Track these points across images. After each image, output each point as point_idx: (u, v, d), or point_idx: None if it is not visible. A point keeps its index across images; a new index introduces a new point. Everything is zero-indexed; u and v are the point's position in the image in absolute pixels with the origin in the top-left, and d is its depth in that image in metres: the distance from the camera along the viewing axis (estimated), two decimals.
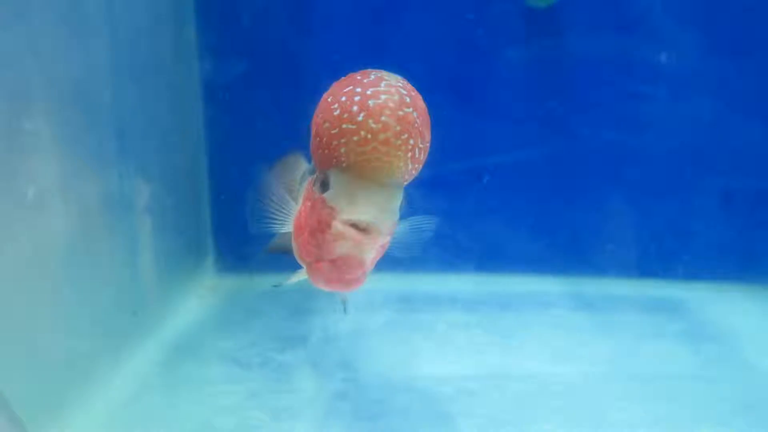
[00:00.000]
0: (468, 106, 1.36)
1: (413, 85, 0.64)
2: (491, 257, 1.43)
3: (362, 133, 0.58)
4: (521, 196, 1.42)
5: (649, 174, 1.37)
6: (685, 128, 1.33)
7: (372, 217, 0.59)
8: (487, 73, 1.35)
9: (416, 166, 0.62)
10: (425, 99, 0.65)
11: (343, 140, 0.58)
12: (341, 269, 0.62)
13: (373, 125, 0.57)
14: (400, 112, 0.59)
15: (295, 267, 0.80)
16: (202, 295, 1.35)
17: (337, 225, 0.60)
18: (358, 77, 0.62)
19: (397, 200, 0.62)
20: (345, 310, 0.83)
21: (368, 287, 1.47)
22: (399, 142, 0.58)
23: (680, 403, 0.92)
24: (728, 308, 1.28)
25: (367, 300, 1.34)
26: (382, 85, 0.60)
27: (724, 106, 1.32)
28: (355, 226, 0.59)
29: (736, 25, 1.29)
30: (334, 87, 0.63)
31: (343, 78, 0.64)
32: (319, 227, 0.63)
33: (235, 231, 1.41)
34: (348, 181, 0.60)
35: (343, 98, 0.59)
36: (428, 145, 0.64)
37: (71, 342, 0.87)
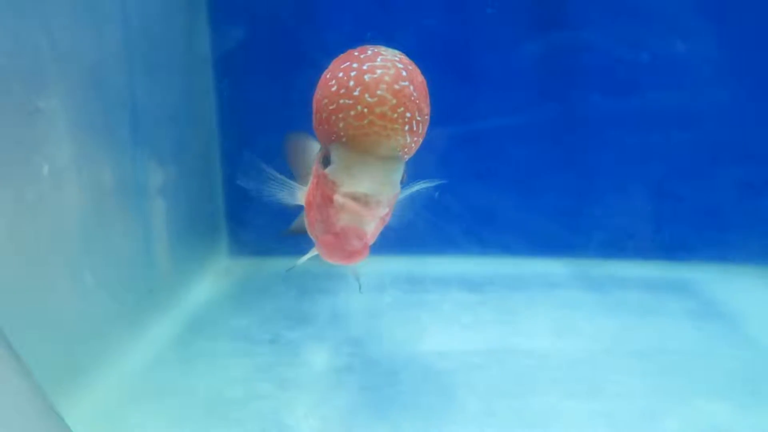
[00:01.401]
0: (475, 93, 1.38)
1: (414, 60, 0.65)
2: (500, 239, 1.44)
3: (359, 107, 0.59)
4: (531, 180, 1.43)
5: (660, 158, 1.38)
6: (705, 121, 1.33)
7: (371, 190, 0.61)
8: (494, 58, 1.37)
9: (415, 139, 0.63)
10: (425, 73, 0.67)
11: (341, 115, 0.60)
12: (343, 241, 0.64)
13: (370, 99, 0.59)
14: (396, 86, 0.59)
15: (307, 248, 0.83)
16: (216, 277, 1.39)
17: (338, 198, 0.62)
18: (356, 53, 0.63)
19: (398, 173, 0.63)
20: (360, 288, 0.85)
21: (377, 269, 1.51)
22: (395, 115, 0.59)
23: (677, 376, 0.94)
24: (735, 288, 1.28)
25: (376, 281, 1.36)
26: (379, 60, 0.61)
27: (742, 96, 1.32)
28: (355, 198, 0.61)
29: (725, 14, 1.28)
30: (333, 64, 0.64)
31: (341, 55, 0.65)
32: (323, 201, 0.65)
33: (249, 215, 1.45)
34: (347, 155, 0.61)
35: (341, 74, 0.61)
36: (427, 118, 0.65)
37: (88, 316, 0.91)
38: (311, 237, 0.73)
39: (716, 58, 1.29)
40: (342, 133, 0.60)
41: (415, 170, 0.72)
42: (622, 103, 1.34)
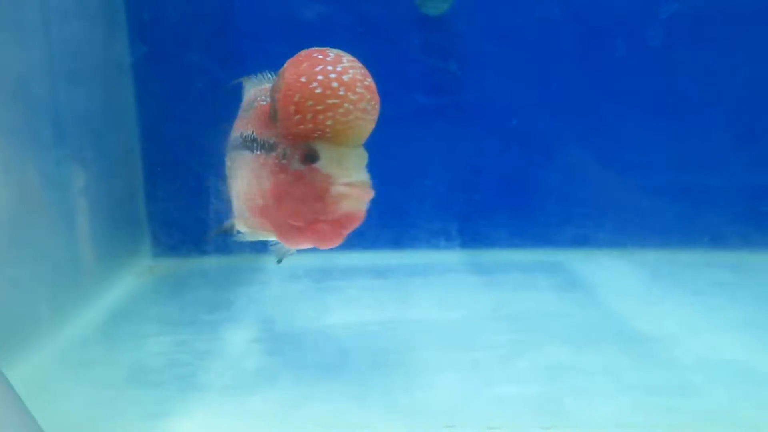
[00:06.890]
0: None
1: None
2: (403, 235, 1.62)
3: (346, 105, 0.68)
4: (431, 181, 1.62)
5: (537, 153, 1.59)
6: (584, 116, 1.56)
7: (362, 176, 0.70)
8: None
9: None
10: None
11: (329, 113, 0.68)
12: (344, 225, 0.72)
13: (353, 97, 0.68)
14: (366, 82, 0.70)
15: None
16: (139, 274, 1.49)
17: (340, 188, 0.69)
18: (320, 56, 0.71)
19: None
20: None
21: (291, 263, 1.65)
22: (370, 107, 0.70)
23: (536, 332, 1.13)
24: (595, 266, 1.50)
25: (289, 273, 1.50)
26: (345, 61, 0.70)
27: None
28: (354, 186, 0.69)
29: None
30: (300, 67, 0.70)
31: (302, 58, 0.71)
32: (314, 195, 0.71)
33: (169, 218, 1.57)
34: (335, 149, 0.70)
35: (320, 77, 0.69)
36: None
37: (12, 305, 1.00)
38: (272, 232, 0.80)
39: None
40: (329, 130, 0.69)
41: None
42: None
